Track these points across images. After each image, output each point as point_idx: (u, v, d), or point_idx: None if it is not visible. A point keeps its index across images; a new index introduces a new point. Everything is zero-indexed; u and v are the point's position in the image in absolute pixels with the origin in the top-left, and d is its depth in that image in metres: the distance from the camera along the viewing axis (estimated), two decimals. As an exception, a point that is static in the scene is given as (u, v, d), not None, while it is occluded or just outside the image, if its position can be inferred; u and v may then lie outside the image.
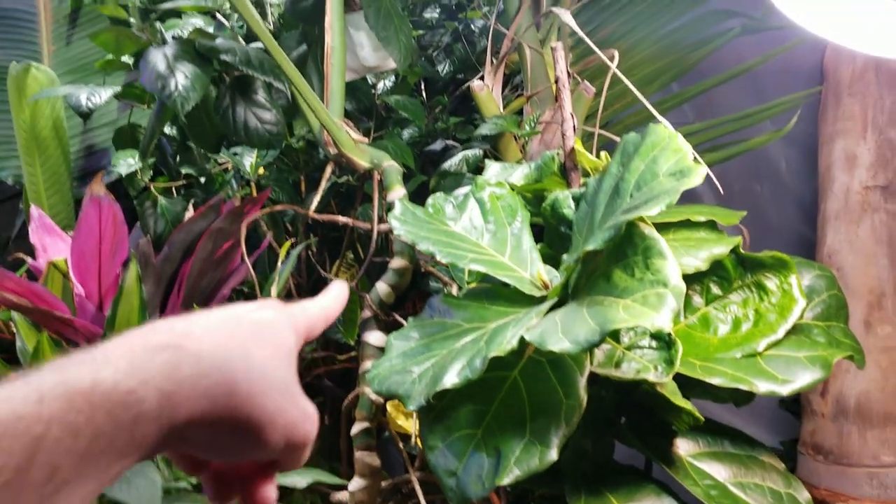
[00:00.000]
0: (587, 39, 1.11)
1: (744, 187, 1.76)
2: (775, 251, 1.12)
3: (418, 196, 1.52)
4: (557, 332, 0.87)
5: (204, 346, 0.40)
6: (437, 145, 1.62)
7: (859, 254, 1.41)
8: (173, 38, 1.53)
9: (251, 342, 0.43)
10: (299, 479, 0.92)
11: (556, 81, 1.06)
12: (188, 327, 0.41)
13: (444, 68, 1.79)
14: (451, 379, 0.90)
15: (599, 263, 0.96)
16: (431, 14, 1.90)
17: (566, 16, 1.13)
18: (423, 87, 1.92)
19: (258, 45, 1.45)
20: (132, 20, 1.46)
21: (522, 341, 0.90)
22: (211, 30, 1.67)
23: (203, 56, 1.17)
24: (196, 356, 0.39)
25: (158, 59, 1.12)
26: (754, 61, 1.48)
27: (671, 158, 0.95)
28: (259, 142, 1.22)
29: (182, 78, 1.09)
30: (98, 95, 1.49)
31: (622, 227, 0.87)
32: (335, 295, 0.57)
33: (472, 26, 1.84)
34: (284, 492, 1.10)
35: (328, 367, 1.39)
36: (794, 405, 1.69)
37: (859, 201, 1.42)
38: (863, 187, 1.42)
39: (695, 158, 0.92)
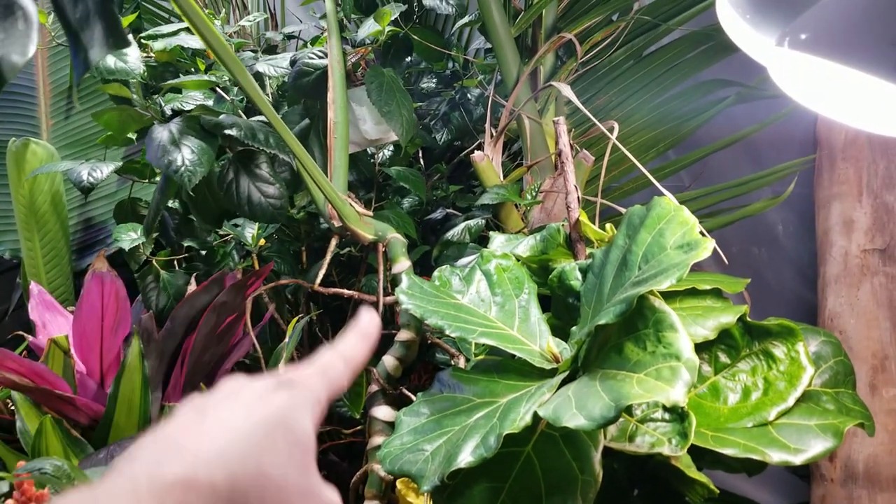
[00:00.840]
0: (589, 114, 1.13)
1: (742, 250, 1.77)
2: (779, 317, 1.12)
3: (420, 265, 1.53)
4: (572, 408, 0.87)
5: (215, 474, 0.38)
6: (438, 214, 1.63)
7: (861, 317, 1.42)
8: (172, 111, 1.56)
9: (265, 453, 0.41)
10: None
11: (559, 154, 1.08)
12: (198, 447, 0.39)
13: (441, 137, 1.81)
14: (465, 458, 0.89)
15: (610, 336, 0.96)
16: (428, 83, 1.93)
17: (566, 90, 1.16)
18: (420, 154, 1.94)
19: (259, 118, 1.47)
20: (134, 96, 1.48)
21: (536, 417, 0.89)
22: (210, 103, 1.70)
23: (208, 131, 1.18)
24: (206, 489, 0.37)
25: (164, 135, 1.13)
26: (749, 129, 1.51)
27: (678, 231, 0.96)
28: (262, 216, 1.23)
29: (188, 153, 1.10)
30: (99, 171, 1.49)
31: (633, 302, 0.87)
32: (363, 333, 0.50)
33: (469, 95, 1.87)
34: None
35: (333, 441, 1.38)
36: (802, 468, 1.68)
37: (858, 265, 1.43)
38: (861, 251, 1.43)
39: (702, 232, 0.93)
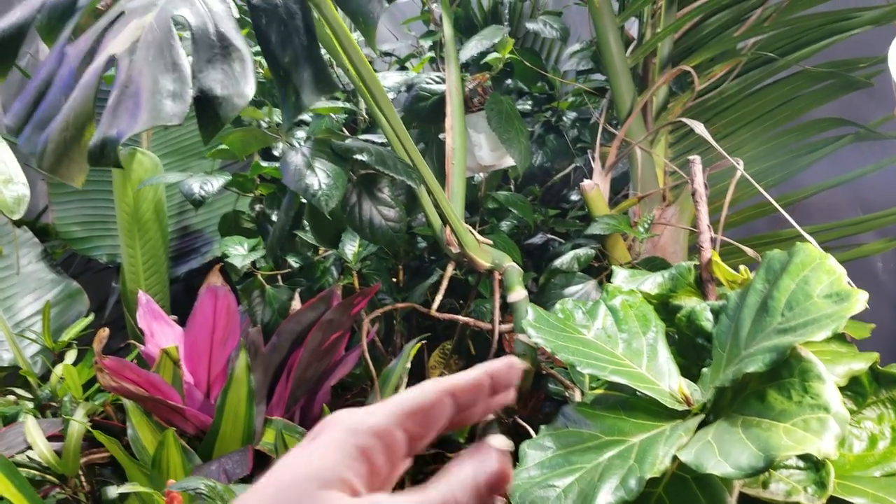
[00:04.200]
0: (720, 149, 1.12)
1: (838, 286, 1.74)
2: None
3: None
4: (715, 455, 0.86)
5: None
6: (538, 239, 1.63)
7: (975, 363, 1.39)
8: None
9: None
10: None
11: (694, 193, 1.07)
12: None
13: (536, 159, 1.81)
14: (605, 498, 0.89)
15: (749, 382, 0.95)
16: (523, 105, 1.94)
17: (700, 128, 1.15)
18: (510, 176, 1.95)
19: (370, 137, 1.48)
20: (262, 121, 1.51)
21: (674, 461, 0.89)
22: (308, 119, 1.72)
23: (339, 155, 1.19)
24: None
25: (298, 159, 1.15)
26: (864, 170, 1.48)
27: (824, 279, 0.95)
28: (383, 238, 1.24)
29: (324, 177, 1.12)
30: (210, 184, 1.52)
31: (787, 351, 0.87)
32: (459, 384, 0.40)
33: (564, 117, 1.87)
34: None
35: (438, 465, 1.38)
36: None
37: (973, 310, 1.40)
38: (977, 296, 1.41)
39: (849, 283, 0.92)
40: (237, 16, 0.73)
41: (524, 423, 1.19)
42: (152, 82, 0.64)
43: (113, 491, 1.41)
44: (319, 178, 1.12)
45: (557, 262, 1.40)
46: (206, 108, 0.65)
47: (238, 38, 0.70)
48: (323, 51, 1.71)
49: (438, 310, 1.38)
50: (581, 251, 1.41)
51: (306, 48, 0.70)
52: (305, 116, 1.77)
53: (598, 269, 1.46)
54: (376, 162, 1.15)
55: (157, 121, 0.63)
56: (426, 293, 1.65)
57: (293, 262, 1.60)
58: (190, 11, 0.70)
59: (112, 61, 0.69)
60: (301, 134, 1.67)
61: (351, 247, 1.61)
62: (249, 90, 0.66)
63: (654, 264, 1.35)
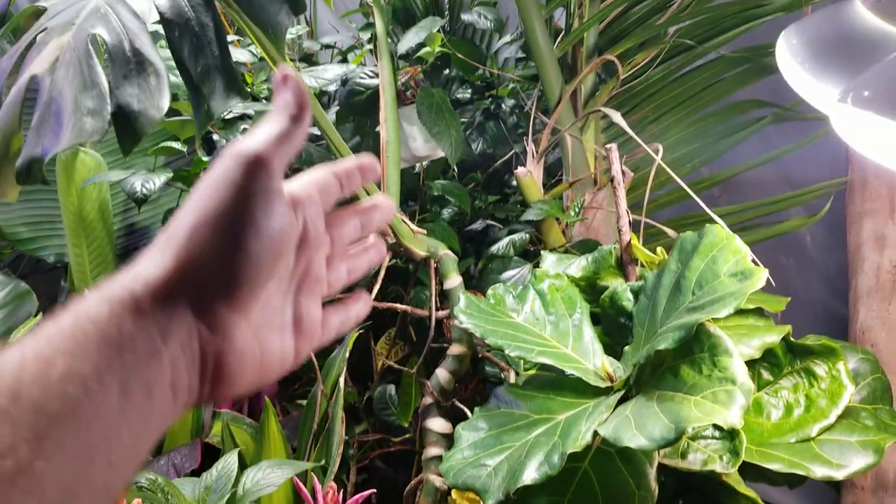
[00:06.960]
0: (640, 141, 1.17)
1: (769, 260, 1.81)
2: (808, 328, 1.18)
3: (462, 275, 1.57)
4: (632, 429, 0.92)
5: None
6: (478, 225, 1.68)
7: (892, 330, 1.47)
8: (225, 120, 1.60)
9: None
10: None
11: (612, 180, 1.12)
12: None
13: (477, 146, 1.85)
14: (530, 475, 0.94)
15: (665, 357, 1.01)
16: (462, 94, 1.97)
17: (617, 117, 1.20)
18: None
19: (312, 130, 1.51)
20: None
21: (595, 434, 0.95)
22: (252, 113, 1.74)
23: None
24: None
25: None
26: (784, 149, 1.55)
27: (730, 259, 1.01)
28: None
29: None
30: (152, 182, 1.54)
31: (693, 328, 0.92)
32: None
33: (503, 105, 1.91)
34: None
35: (383, 449, 1.43)
36: (828, 474, 1.72)
37: (890, 279, 1.48)
38: (893, 266, 1.48)
39: (754, 261, 0.98)
40: (152, 30, 0.76)
41: (462, 406, 1.24)
42: (73, 100, 0.67)
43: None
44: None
45: (494, 248, 1.45)
46: (124, 123, 0.68)
47: (152, 52, 0.73)
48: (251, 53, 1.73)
49: (383, 297, 1.42)
50: (516, 236, 1.46)
51: (218, 59, 0.73)
52: (249, 111, 1.79)
53: (535, 253, 1.51)
54: (304, 162, 1.19)
55: (80, 138, 0.66)
56: (370, 282, 1.69)
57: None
58: (105, 29, 0.72)
59: (34, 80, 0.72)
60: (245, 127, 1.69)
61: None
62: (165, 103, 0.69)
63: (588, 246, 1.40)
